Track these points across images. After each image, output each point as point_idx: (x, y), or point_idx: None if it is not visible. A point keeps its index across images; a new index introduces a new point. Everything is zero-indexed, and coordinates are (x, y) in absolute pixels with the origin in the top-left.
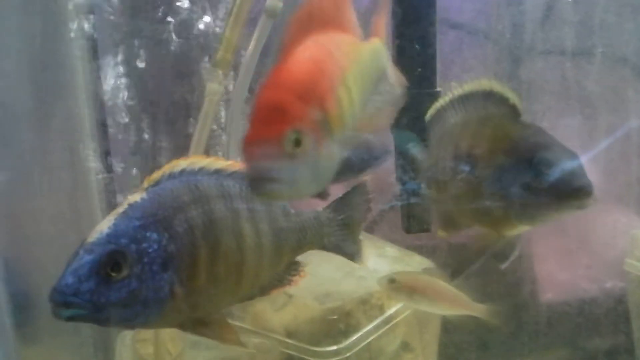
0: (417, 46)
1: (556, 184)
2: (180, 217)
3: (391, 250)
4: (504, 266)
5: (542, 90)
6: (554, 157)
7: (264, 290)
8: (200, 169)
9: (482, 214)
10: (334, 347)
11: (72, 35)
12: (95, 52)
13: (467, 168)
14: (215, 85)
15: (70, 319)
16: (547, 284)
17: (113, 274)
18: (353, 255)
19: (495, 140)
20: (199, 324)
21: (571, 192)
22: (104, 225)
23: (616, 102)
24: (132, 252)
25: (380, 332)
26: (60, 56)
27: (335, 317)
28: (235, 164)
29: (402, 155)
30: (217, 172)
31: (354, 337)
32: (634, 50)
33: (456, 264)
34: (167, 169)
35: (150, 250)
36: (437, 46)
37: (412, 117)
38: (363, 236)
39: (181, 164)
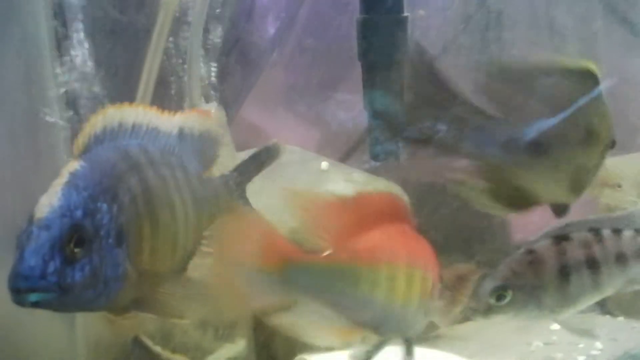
0: None
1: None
2: (123, 186)
3: (358, 175)
4: None
5: (512, 20)
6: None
7: (185, 265)
8: (120, 125)
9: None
10: None
11: None
12: None
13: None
14: None
15: (36, 304)
16: None
17: (76, 251)
18: None
19: None
20: (142, 301)
21: None
22: (52, 198)
23: (585, 33)
24: (88, 226)
25: None
26: None
27: None
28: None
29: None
30: (135, 126)
31: None
32: None
33: None
34: (89, 129)
35: (104, 222)
36: None
37: (378, 44)
38: (329, 162)
39: (99, 120)
